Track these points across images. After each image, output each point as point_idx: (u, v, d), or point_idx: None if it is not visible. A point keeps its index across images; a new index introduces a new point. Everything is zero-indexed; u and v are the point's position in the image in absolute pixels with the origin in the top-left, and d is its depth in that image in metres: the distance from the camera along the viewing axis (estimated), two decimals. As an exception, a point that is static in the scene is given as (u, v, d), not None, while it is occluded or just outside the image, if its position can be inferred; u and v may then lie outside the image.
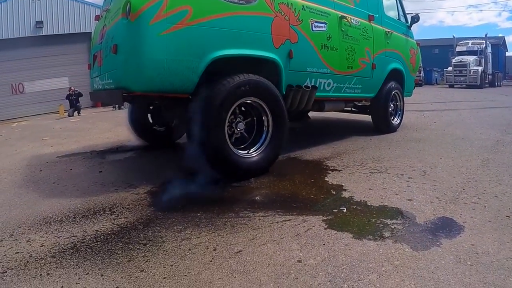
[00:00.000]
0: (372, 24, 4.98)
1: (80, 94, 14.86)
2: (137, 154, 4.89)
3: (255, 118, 3.54)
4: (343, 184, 3.12)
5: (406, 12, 6.21)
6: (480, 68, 24.20)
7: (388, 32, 5.35)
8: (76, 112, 14.67)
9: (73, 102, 14.85)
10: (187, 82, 3.09)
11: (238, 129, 3.40)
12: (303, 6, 3.90)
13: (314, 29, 3.99)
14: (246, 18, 3.38)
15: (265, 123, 3.51)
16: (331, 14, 4.24)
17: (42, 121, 13.96)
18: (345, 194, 2.87)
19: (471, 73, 23.95)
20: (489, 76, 26.72)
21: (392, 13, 5.80)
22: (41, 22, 18.42)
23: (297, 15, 3.80)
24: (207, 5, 3.13)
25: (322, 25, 4.09)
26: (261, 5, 3.49)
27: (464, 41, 27.65)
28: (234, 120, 3.38)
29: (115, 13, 3.34)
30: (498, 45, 36.02)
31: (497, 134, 5.48)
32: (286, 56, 3.71)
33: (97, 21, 4.54)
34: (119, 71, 3.16)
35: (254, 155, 3.43)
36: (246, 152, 3.43)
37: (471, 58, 24.61)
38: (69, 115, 14.39)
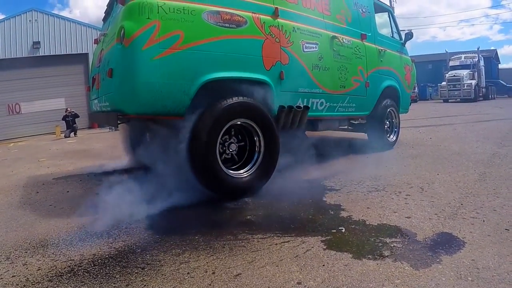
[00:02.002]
0: (365, 43, 5.06)
1: (76, 115, 14.91)
2: (134, 175, 4.86)
3: (247, 139, 3.58)
4: (341, 204, 3.12)
5: (400, 28, 6.30)
6: (473, 82, 24.48)
7: (382, 50, 5.42)
8: (72, 133, 14.69)
9: (70, 123, 14.88)
10: (180, 104, 3.16)
11: (230, 150, 3.45)
12: (293, 28, 3.97)
13: (305, 50, 4.05)
14: (236, 41, 3.45)
15: (257, 144, 3.55)
16: (322, 34, 4.32)
17: (39, 142, 13.94)
18: (343, 214, 2.86)
19: (465, 87, 24.20)
20: (483, 89, 27.01)
21: (386, 31, 5.90)
22: (38, 42, 18.66)
23: (288, 37, 3.87)
24: (198, 30, 3.21)
25: (313, 45, 4.16)
26: (251, 28, 3.57)
27: (457, 56, 28.03)
28: (227, 140, 3.43)
29: (111, 37, 3.42)
30: (491, 58, 36.53)
31: (493, 147, 5.52)
32: (277, 78, 3.77)
33: (96, 45, 4.61)
34: (115, 94, 3.23)
35: (246, 175, 3.45)
36: (238, 172, 3.46)
37: (464, 72, 24.91)
38: (65, 136, 14.40)
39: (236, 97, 3.33)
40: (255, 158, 3.53)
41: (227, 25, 3.38)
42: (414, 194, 3.27)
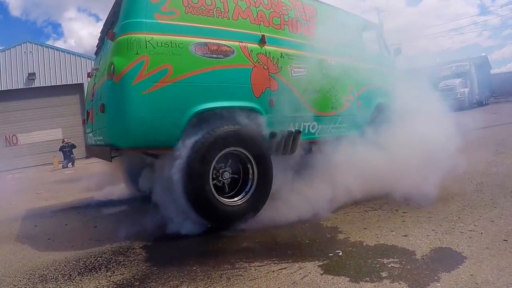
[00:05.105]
0: (353, 63, 5.01)
1: (73, 146, 14.94)
2: (131, 206, 4.88)
3: (240, 167, 3.58)
4: (338, 226, 3.13)
5: (390, 43, 6.34)
6: (466, 90, 24.65)
7: (371, 68, 5.46)
8: (70, 163, 14.68)
9: (67, 153, 14.89)
10: (171, 137, 3.21)
11: (224, 178, 3.44)
12: (281, 54, 3.99)
13: (294, 74, 4.06)
14: (224, 71, 3.49)
15: (250, 171, 3.54)
16: (310, 58, 4.31)
17: (37, 173, 13.94)
18: (341, 236, 2.86)
19: (458, 96, 24.36)
20: (476, 96, 27.20)
21: (374, 49, 5.95)
22: (34, 74, 18.80)
23: (275, 63, 3.90)
24: (186, 62, 3.27)
25: (302, 69, 4.17)
26: (239, 57, 3.61)
27: (448, 65, 28.30)
28: (221, 168, 3.43)
29: (102, 73, 3.48)
30: (482, 64, 36.88)
31: (488, 156, 5.54)
32: (267, 104, 3.77)
33: (89, 78, 4.68)
34: (107, 129, 3.29)
35: (240, 202, 3.44)
36: (231, 200, 3.45)
37: (457, 81, 25.11)
38: (63, 167, 14.41)
39: (227, 126, 3.35)
40: (248, 185, 3.52)
41: (214, 55, 3.42)
42: (411, 211, 3.28)
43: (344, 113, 4.67)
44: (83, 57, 20.06)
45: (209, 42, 3.42)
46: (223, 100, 3.46)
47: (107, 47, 3.78)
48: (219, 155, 3.34)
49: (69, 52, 20.27)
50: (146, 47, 3.08)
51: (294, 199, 3.71)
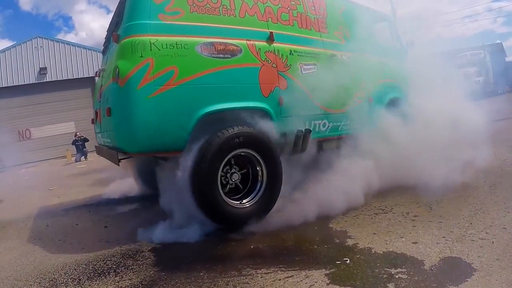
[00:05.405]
0: (365, 57, 4.86)
1: (86, 140, 15.08)
2: (142, 205, 4.89)
3: (250, 168, 3.54)
4: (347, 230, 3.07)
5: (404, 31, 6.13)
6: (481, 79, 24.16)
7: (383, 62, 5.32)
8: (83, 157, 14.87)
9: (80, 147, 15.09)
10: (178, 140, 3.17)
11: (233, 180, 3.41)
12: (290, 51, 3.89)
13: (303, 72, 3.97)
14: (232, 71, 3.42)
15: (260, 173, 3.49)
16: (320, 54, 4.22)
17: (50, 167, 14.16)
18: (349, 242, 2.81)
19: (473, 85, 23.88)
20: (491, 86, 26.66)
21: (386, 41, 5.77)
22: (45, 68, 19.02)
23: (284, 61, 3.81)
24: (192, 64, 3.21)
25: (312, 66, 4.07)
26: (246, 56, 3.53)
27: (463, 53, 27.72)
28: (229, 170, 3.39)
29: (108, 75, 3.45)
30: (497, 51, 36.02)
31: (503, 152, 5.35)
32: (276, 104, 3.70)
33: (96, 78, 4.66)
34: (114, 134, 3.28)
35: (248, 205, 3.41)
36: (240, 202, 3.42)
37: (472, 70, 24.60)
38: (76, 161, 14.63)
39: (236, 128, 3.29)
40: (257, 187, 3.48)
41: (221, 55, 3.36)
42: (422, 215, 3.20)
43: (355, 109, 4.52)
44: (93, 50, 20.17)
45: (215, 42, 3.36)
46: (230, 101, 3.40)
47: (112, 48, 3.75)
48: (228, 157, 3.30)
49: (79, 46, 20.43)
50: (151, 50, 3.03)
51: (304, 199, 3.66)
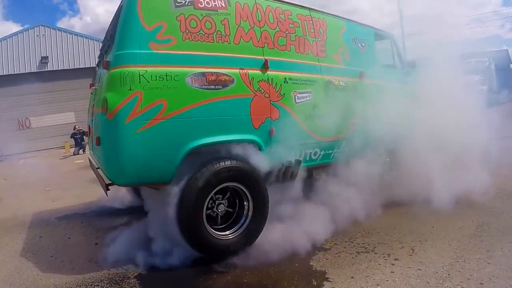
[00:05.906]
0: (364, 81, 4.69)
1: (84, 133, 15.04)
2: (132, 218, 4.85)
3: (236, 200, 3.53)
4: (327, 270, 3.05)
5: (410, 34, 5.88)
6: (485, 88, 23.96)
7: (382, 85, 4.99)
8: (81, 150, 14.91)
9: (78, 140, 15.12)
10: (166, 173, 3.16)
11: (219, 211, 3.41)
12: (285, 78, 3.79)
13: (297, 101, 3.87)
14: (222, 103, 3.35)
15: (245, 207, 3.48)
16: (316, 80, 4.09)
17: (48, 159, 14.18)
18: (326, 285, 2.80)
19: (477, 94, 23.68)
20: (495, 95, 26.45)
21: (388, 62, 5.60)
22: (46, 57, 18.92)
23: (278, 90, 3.71)
24: (182, 96, 3.16)
25: (307, 94, 3.96)
26: (238, 86, 3.45)
27: (467, 60, 27.42)
28: (214, 203, 3.39)
29: (98, 102, 3.42)
30: (502, 58, 35.67)
31: (499, 180, 5.08)
32: (266, 135, 3.62)
33: (91, 89, 4.58)
34: (102, 164, 3.31)
35: (232, 237, 3.40)
36: (223, 233, 3.42)
37: (476, 78, 24.35)
38: (74, 154, 14.73)
39: (222, 162, 3.26)
40: (242, 220, 3.47)
41: (212, 87, 3.29)
42: (402, 258, 3.17)
43: (349, 136, 4.38)
44: (96, 40, 20.03)
45: (207, 72, 3.28)
46: (219, 134, 3.35)
47: (104, 72, 3.71)
48: (214, 191, 3.29)
49: (81, 36, 20.31)
50: (140, 82, 2.99)
51: (288, 231, 3.63)
